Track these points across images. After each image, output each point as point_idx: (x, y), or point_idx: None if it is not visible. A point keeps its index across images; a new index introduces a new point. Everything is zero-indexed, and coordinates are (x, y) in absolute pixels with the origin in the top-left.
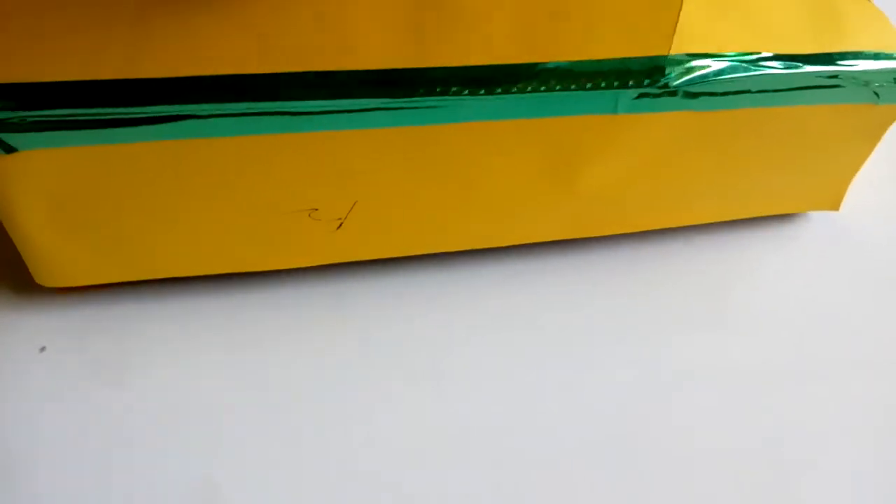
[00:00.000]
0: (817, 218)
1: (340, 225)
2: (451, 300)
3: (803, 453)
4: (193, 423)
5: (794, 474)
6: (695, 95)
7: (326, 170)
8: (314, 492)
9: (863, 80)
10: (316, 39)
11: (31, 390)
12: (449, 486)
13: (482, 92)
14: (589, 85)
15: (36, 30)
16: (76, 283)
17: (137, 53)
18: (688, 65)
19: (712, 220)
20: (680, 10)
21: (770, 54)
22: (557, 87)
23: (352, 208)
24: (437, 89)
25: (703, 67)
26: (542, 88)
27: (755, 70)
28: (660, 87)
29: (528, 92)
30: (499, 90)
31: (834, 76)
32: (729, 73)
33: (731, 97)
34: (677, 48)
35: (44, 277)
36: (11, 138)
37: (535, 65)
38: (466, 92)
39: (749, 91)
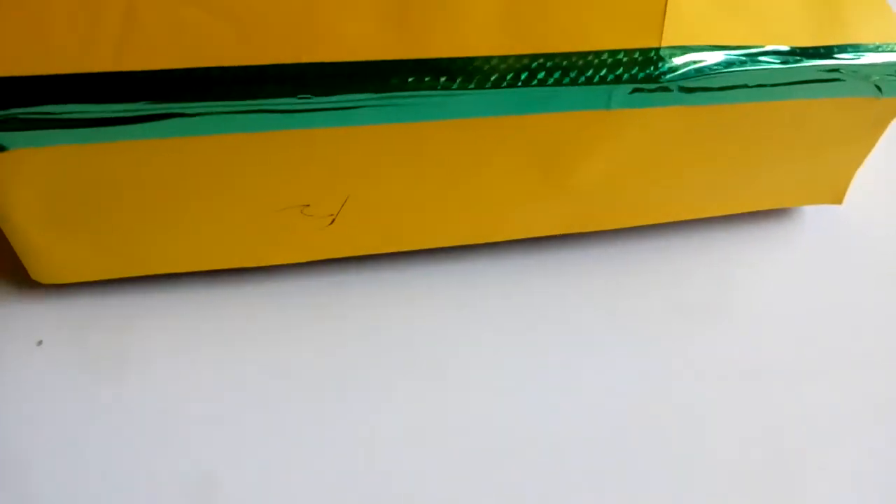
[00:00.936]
0: (819, 212)
1: (333, 221)
2: (450, 295)
3: (804, 450)
4: (191, 419)
5: (795, 471)
6: (691, 90)
7: (317, 167)
8: (313, 488)
9: (864, 74)
10: (300, 30)
11: (28, 384)
12: (449, 482)
13: (471, 85)
14: (581, 79)
15: (25, 23)
16: (71, 279)
17: (125, 46)
18: (683, 58)
19: (712, 214)
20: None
21: (769, 48)
22: (549, 81)
23: (343, 204)
24: (426, 80)
25: (699, 61)
26: (533, 82)
27: (753, 64)
28: (654, 82)
29: (519, 86)
30: (488, 83)
31: (835, 70)
32: (726, 68)
33: (728, 92)
34: (673, 41)
35: (39, 274)
36: (1, 137)
37: (523, 56)
38: (455, 85)
39: (747, 86)
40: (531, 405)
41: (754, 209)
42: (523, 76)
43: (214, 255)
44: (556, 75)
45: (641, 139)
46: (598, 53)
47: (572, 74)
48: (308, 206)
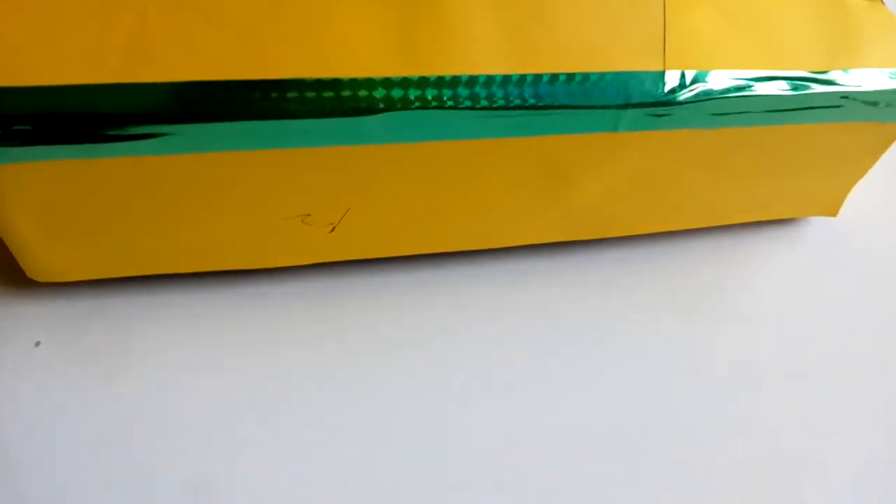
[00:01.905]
0: (816, 222)
1: (333, 229)
2: (450, 298)
3: (804, 450)
4: (189, 419)
5: (795, 471)
6: (699, 114)
7: (319, 181)
8: (311, 490)
9: (871, 100)
10: (305, 45)
11: (25, 385)
12: (450, 484)
13: (477, 105)
14: (588, 102)
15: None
16: (69, 278)
17: (133, 57)
18: (693, 83)
19: (710, 225)
20: (665, 22)
21: (778, 73)
22: (554, 104)
23: (344, 215)
24: (430, 97)
25: (708, 86)
26: (540, 104)
27: (762, 90)
28: (663, 107)
29: (524, 108)
30: (494, 104)
31: (844, 97)
32: (735, 93)
33: (735, 116)
34: (682, 64)
35: (35, 273)
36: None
37: (526, 76)
38: (465, 104)
39: (754, 111)
40: (531, 407)
41: (751, 220)
42: (525, 95)
43: (212, 261)
44: (560, 96)
45: (647, 160)
46: (604, 75)
47: (578, 96)
48: (309, 215)
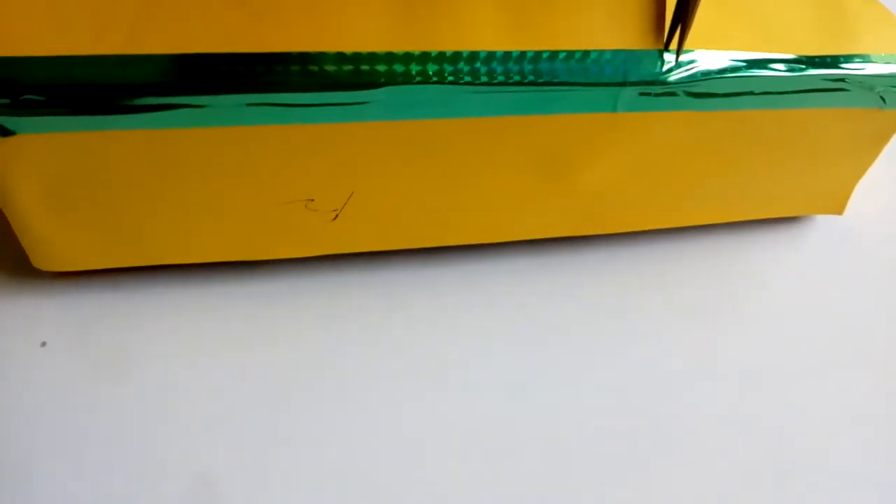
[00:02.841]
0: (822, 219)
1: (337, 216)
2: (453, 296)
3: (804, 450)
4: (193, 418)
5: (796, 471)
6: (697, 95)
7: (322, 161)
8: (314, 488)
9: (869, 84)
10: (309, 19)
11: (31, 385)
12: (451, 482)
13: (478, 80)
14: (586, 79)
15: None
16: (73, 267)
17: (140, 29)
18: (690, 63)
19: (715, 222)
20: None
21: (775, 55)
22: (553, 80)
23: (348, 200)
24: (431, 72)
25: (705, 66)
26: (540, 80)
27: (759, 71)
28: (660, 86)
29: (524, 84)
30: (494, 79)
31: (840, 79)
32: (732, 73)
33: (733, 98)
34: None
35: (42, 262)
36: (9, 122)
37: (526, 53)
38: (465, 79)
39: (752, 92)
40: (534, 405)
41: (756, 218)
42: (528, 73)
43: (218, 248)
44: (560, 73)
45: (647, 144)
46: (603, 53)
47: (577, 73)
48: (312, 200)
